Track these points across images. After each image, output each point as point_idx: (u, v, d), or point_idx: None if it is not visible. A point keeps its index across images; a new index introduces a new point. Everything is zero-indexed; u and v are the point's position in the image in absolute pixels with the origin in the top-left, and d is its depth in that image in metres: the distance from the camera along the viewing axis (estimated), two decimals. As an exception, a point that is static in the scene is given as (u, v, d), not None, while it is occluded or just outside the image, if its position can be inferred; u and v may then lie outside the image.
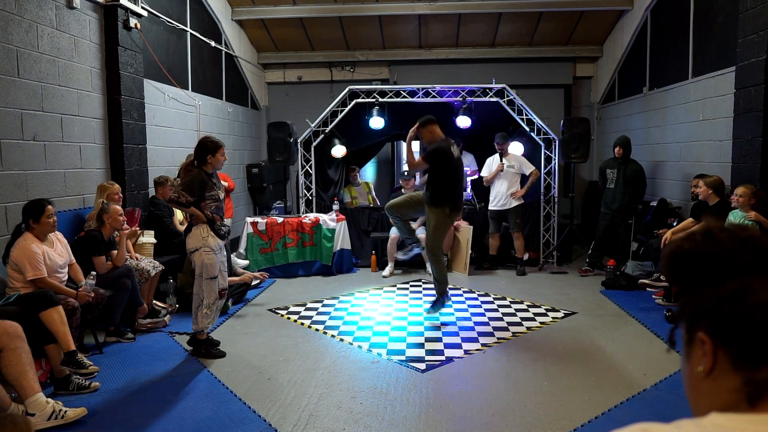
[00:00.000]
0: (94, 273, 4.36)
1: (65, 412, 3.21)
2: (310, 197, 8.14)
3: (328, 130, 7.96)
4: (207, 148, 4.26)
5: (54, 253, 4.12)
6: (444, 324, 5.19)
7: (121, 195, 5.20)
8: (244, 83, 9.65)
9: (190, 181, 4.23)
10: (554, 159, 7.76)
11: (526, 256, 7.55)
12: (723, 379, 0.74)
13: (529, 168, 7.21)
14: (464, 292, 6.39)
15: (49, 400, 3.25)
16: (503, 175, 7.16)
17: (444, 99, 7.94)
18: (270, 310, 5.72)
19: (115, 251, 4.77)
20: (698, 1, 6.69)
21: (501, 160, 7.14)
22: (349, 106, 7.90)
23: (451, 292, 6.40)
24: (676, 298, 0.86)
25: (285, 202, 8.61)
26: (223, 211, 4.43)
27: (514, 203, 7.13)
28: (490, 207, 7.32)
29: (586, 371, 3.98)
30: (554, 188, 7.79)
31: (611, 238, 6.99)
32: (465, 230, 7.39)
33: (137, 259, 5.13)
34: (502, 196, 7.17)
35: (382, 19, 9.18)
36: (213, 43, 8.10)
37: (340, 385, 3.79)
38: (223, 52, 8.67)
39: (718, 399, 0.74)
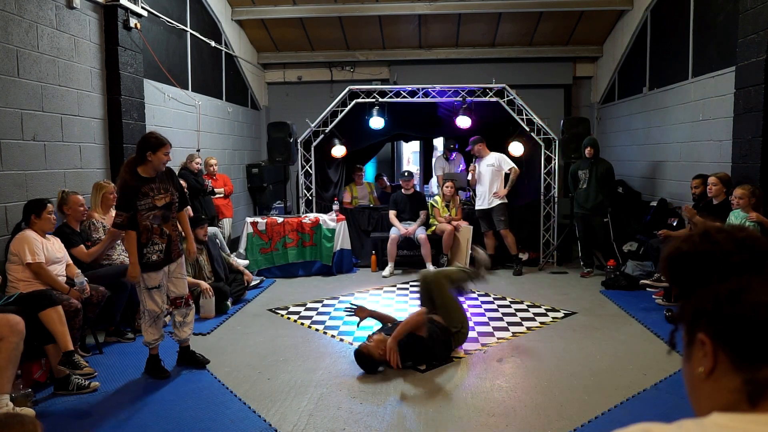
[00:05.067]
0: (79, 271, 4.34)
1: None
2: (310, 197, 8.14)
3: (328, 130, 7.96)
4: (149, 144, 3.77)
5: (51, 247, 4.19)
6: None
7: (116, 195, 5.16)
8: (244, 83, 9.64)
9: (120, 195, 3.83)
10: (554, 159, 7.76)
11: (525, 256, 7.56)
12: (724, 380, 0.74)
13: (508, 165, 7.27)
14: (464, 292, 6.39)
15: (9, 404, 3.22)
16: (484, 175, 7.24)
17: (444, 99, 7.95)
18: (270, 310, 5.72)
19: (90, 242, 4.69)
20: (698, 1, 6.69)
21: (474, 161, 7.43)
22: (349, 106, 7.90)
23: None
24: (675, 300, 0.86)
25: (285, 202, 8.61)
26: (163, 219, 3.89)
27: (496, 202, 7.19)
28: (477, 207, 7.42)
29: (586, 371, 3.98)
30: (554, 188, 7.79)
31: (593, 237, 7.04)
32: (465, 230, 7.39)
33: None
34: (485, 195, 7.26)
35: (382, 19, 9.18)
36: (213, 43, 8.10)
37: (340, 385, 3.79)
38: (223, 52, 8.67)
39: (719, 399, 0.74)
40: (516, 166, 7.31)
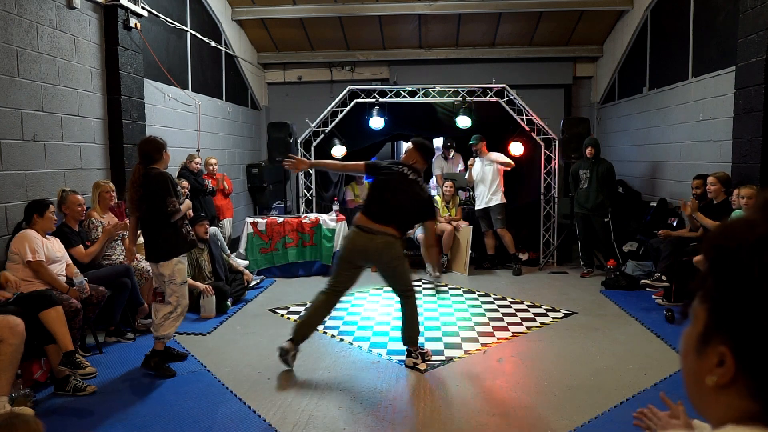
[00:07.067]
0: (77, 270, 4.35)
1: None
2: (310, 197, 8.14)
3: (328, 130, 7.96)
4: (159, 144, 4.09)
5: (51, 246, 4.19)
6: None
7: (113, 194, 5.15)
8: (244, 83, 9.64)
9: (170, 183, 4.03)
10: (554, 159, 7.76)
11: (525, 256, 7.56)
12: (737, 399, 0.67)
13: (502, 159, 7.23)
14: (464, 292, 6.39)
15: (7, 406, 3.22)
16: (483, 174, 7.25)
17: (444, 99, 7.95)
18: (270, 310, 5.72)
19: (89, 242, 4.70)
20: (698, 1, 6.69)
21: (474, 156, 7.41)
22: (349, 106, 7.90)
23: (451, 291, 6.42)
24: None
25: (285, 202, 8.61)
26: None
27: (495, 201, 7.19)
28: (476, 206, 7.42)
29: (586, 371, 3.98)
30: (554, 188, 7.79)
31: (593, 237, 7.04)
32: (465, 230, 7.39)
33: (137, 259, 5.12)
34: (484, 195, 7.26)
35: (382, 19, 9.18)
36: (213, 43, 8.10)
37: (340, 385, 3.80)
38: (223, 52, 8.67)
39: (730, 414, 0.68)
40: (510, 160, 7.27)
